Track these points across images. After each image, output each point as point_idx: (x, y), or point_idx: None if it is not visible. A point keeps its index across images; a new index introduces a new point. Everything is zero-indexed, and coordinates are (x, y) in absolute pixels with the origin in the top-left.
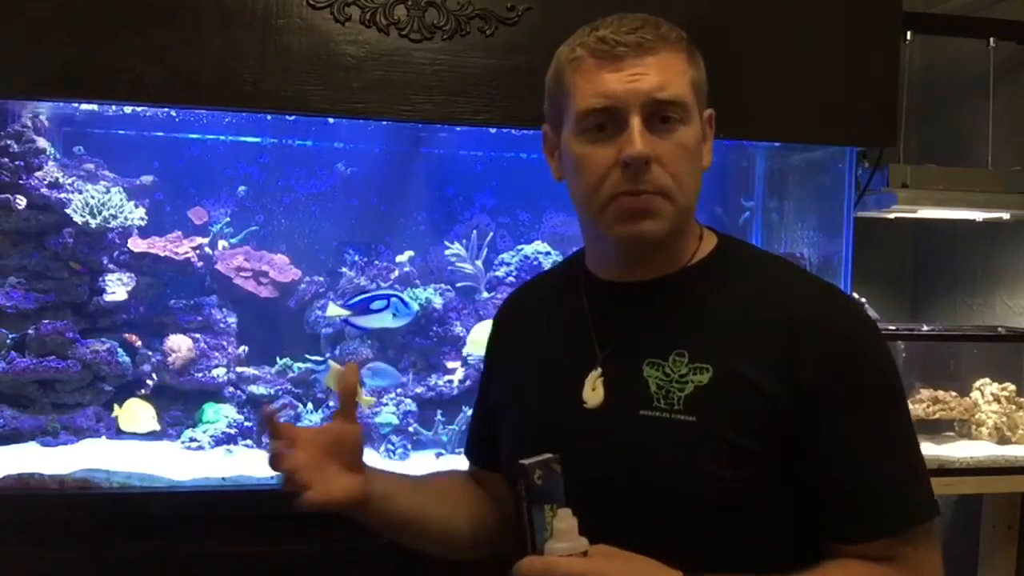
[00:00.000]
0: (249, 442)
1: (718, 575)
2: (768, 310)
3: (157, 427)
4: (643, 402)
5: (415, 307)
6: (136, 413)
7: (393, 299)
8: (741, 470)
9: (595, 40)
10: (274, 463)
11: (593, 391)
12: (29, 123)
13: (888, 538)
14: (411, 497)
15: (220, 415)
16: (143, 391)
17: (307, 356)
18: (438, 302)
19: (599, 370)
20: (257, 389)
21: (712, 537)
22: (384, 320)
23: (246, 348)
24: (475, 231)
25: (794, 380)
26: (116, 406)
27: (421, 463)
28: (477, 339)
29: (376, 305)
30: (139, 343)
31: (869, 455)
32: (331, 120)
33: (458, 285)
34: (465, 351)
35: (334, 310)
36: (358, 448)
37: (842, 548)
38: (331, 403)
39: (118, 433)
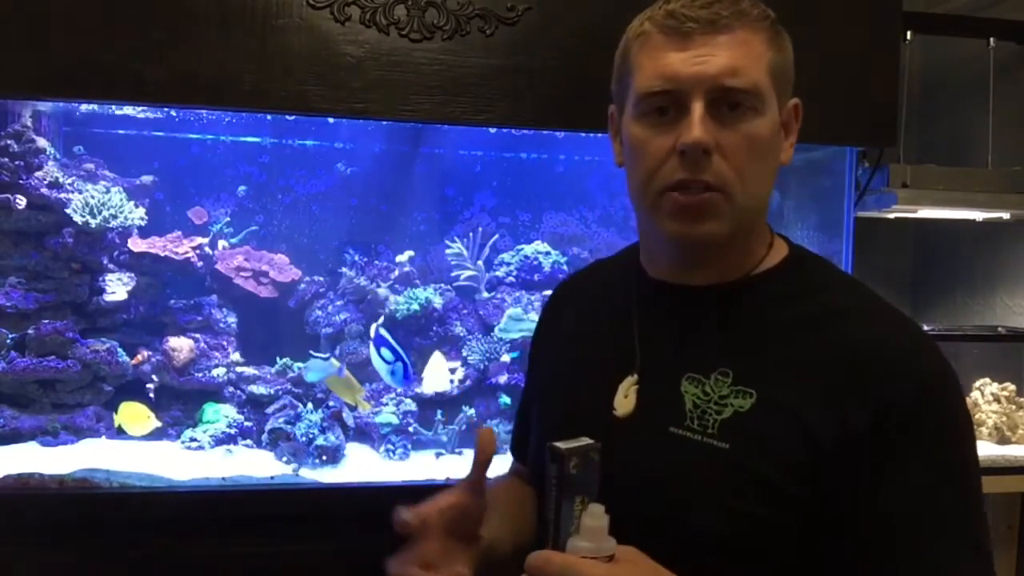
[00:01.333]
0: (249, 442)
1: None
2: (828, 338)
3: (157, 424)
4: (675, 419)
5: (404, 385)
6: (134, 416)
7: (399, 364)
8: (769, 510)
9: (664, 14)
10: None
11: (625, 398)
12: (29, 123)
13: None
14: (507, 526)
15: (220, 415)
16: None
17: (311, 353)
18: (438, 302)
19: (635, 377)
20: (257, 389)
21: (726, 571)
22: (381, 369)
23: (238, 355)
24: (473, 232)
25: (845, 423)
26: (115, 414)
27: (421, 463)
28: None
29: (385, 354)
30: (144, 355)
31: (922, 516)
32: (331, 120)
33: (459, 283)
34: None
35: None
36: (480, 518)
37: None
38: (331, 403)
39: (119, 433)
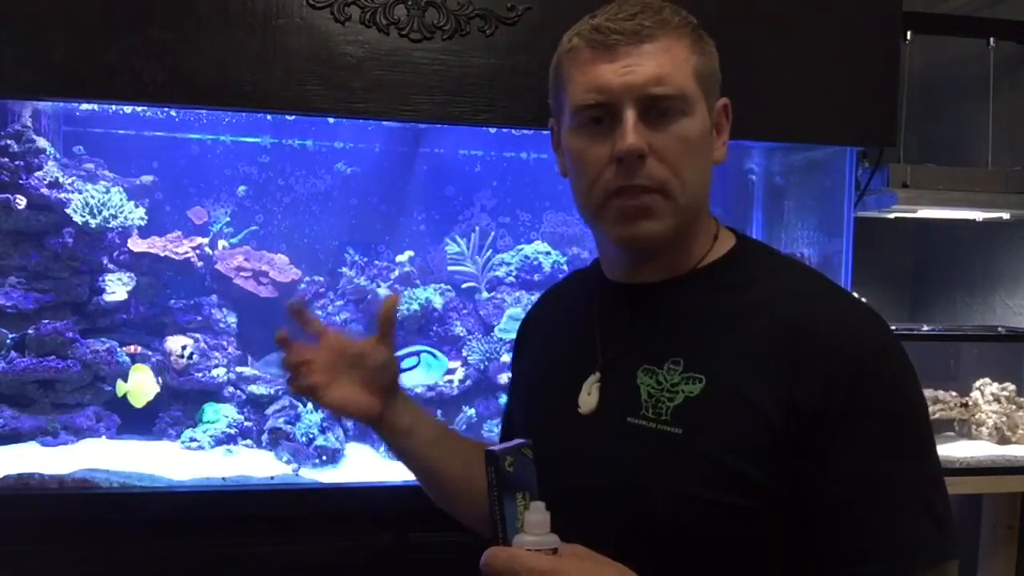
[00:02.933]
0: (249, 442)
1: None
2: (774, 319)
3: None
4: (632, 410)
5: (445, 361)
6: (141, 383)
7: (423, 354)
8: (724, 491)
9: (590, 29)
10: (288, 357)
11: (589, 396)
12: (29, 123)
13: (887, 573)
14: (434, 445)
15: (220, 415)
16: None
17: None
18: (438, 302)
19: (597, 375)
20: (257, 389)
21: (682, 558)
22: (417, 377)
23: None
24: (475, 231)
25: (793, 399)
26: (121, 382)
27: None
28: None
29: (407, 363)
30: (139, 350)
31: (874, 484)
32: (331, 120)
33: (458, 277)
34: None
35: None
36: (387, 372)
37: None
38: None
39: (118, 432)
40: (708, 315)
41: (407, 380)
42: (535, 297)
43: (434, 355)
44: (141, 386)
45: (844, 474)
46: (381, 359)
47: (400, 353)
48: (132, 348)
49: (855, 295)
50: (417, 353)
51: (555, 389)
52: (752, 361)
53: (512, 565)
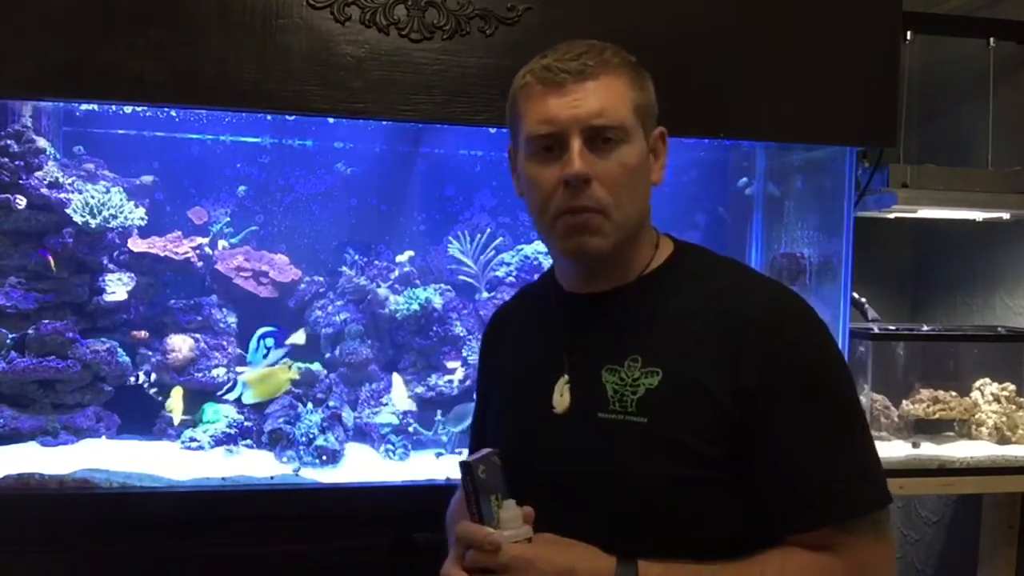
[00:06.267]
0: (249, 442)
1: (651, 561)
2: (716, 314)
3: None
4: (601, 405)
5: (260, 358)
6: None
7: (255, 335)
8: (689, 468)
9: (541, 68)
10: None
11: (561, 397)
12: (29, 123)
13: (829, 527)
14: None
15: (220, 415)
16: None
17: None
18: (438, 302)
19: (566, 377)
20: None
21: (661, 533)
22: (250, 352)
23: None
24: (478, 233)
25: (738, 382)
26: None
27: (421, 463)
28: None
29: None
30: (144, 335)
31: (810, 448)
32: (331, 120)
33: (458, 277)
34: None
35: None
36: None
37: (786, 539)
38: (331, 403)
39: (118, 432)
40: (658, 315)
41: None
42: None
43: (256, 347)
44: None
45: (783, 444)
46: None
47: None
48: (141, 334)
49: (785, 285)
50: (263, 336)
51: (528, 394)
52: (701, 352)
53: (492, 557)
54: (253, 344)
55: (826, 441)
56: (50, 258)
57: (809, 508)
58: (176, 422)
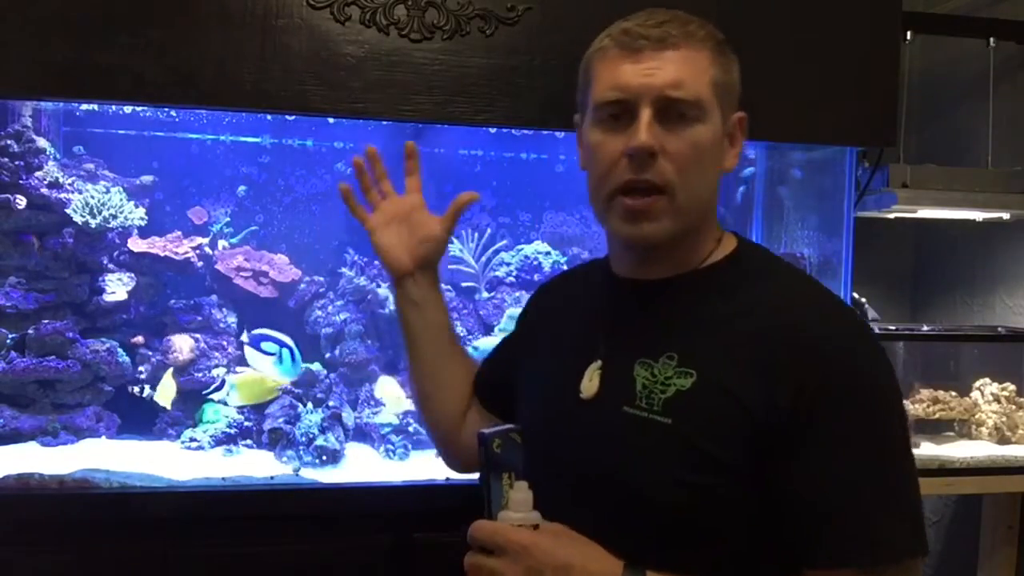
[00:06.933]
0: (249, 442)
1: (663, 574)
2: (761, 321)
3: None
4: (627, 399)
5: (302, 369)
6: (169, 387)
7: (284, 350)
8: (706, 477)
9: (620, 31)
10: (362, 178)
11: (590, 382)
12: (29, 123)
13: (855, 568)
14: (430, 330)
15: (220, 415)
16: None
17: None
18: None
19: (599, 363)
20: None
21: (667, 540)
22: (263, 365)
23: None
24: (478, 233)
25: (773, 395)
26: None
27: (421, 463)
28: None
29: (266, 346)
30: (141, 340)
31: (845, 479)
32: (331, 120)
33: (458, 279)
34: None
35: (244, 336)
36: (432, 248)
37: (804, 572)
38: (331, 403)
39: (118, 432)
40: (703, 314)
41: (256, 361)
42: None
43: (293, 358)
44: (167, 387)
45: (815, 470)
46: (433, 233)
47: (269, 335)
48: (138, 339)
49: (839, 299)
50: (283, 344)
51: (559, 374)
52: (740, 360)
53: (495, 538)
54: (287, 357)
55: (865, 473)
56: (34, 240)
57: (836, 544)
58: (167, 406)
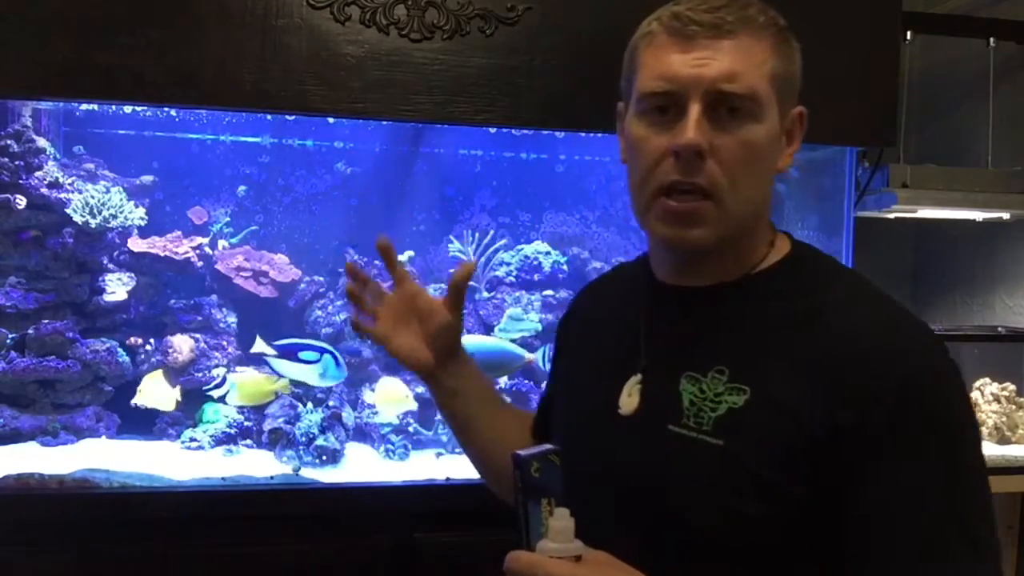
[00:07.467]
0: (249, 442)
1: None
2: (822, 332)
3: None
4: (673, 417)
5: (344, 373)
6: (152, 391)
7: (326, 356)
8: (762, 505)
9: (670, 16)
10: (355, 288)
11: (629, 397)
12: (29, 123)
13: None
14: (475, 413)
15: (220, 415)
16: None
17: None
18: None
19: (639, 376)
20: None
21: (720, 570)
22: (306, 375)
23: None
24: (478, 233)
25: (833, 414)
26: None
27: (421, 463)
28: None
29: (307, 356)
30: (139, 341)
31: (912, 507)
32: (331, 120)
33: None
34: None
35: (261, 346)
36: (449, 333)
37: None
38: (331, 403)
39: (118, 432)
40: (757, 324)
41: (293, 373)
42: (535, 297)
43: (337, 362)
44: (154, 395)
45: (880, 497)
46: (445, 321)
47: (304, 343)
48: (132, 340)
49: (908, 310)
50: (321, 351)
51: (595, 387)
52: (798, 375)
53: (533, 570)
54: (329, 363)
55: (934, 502)
56: (32, 233)
57: None
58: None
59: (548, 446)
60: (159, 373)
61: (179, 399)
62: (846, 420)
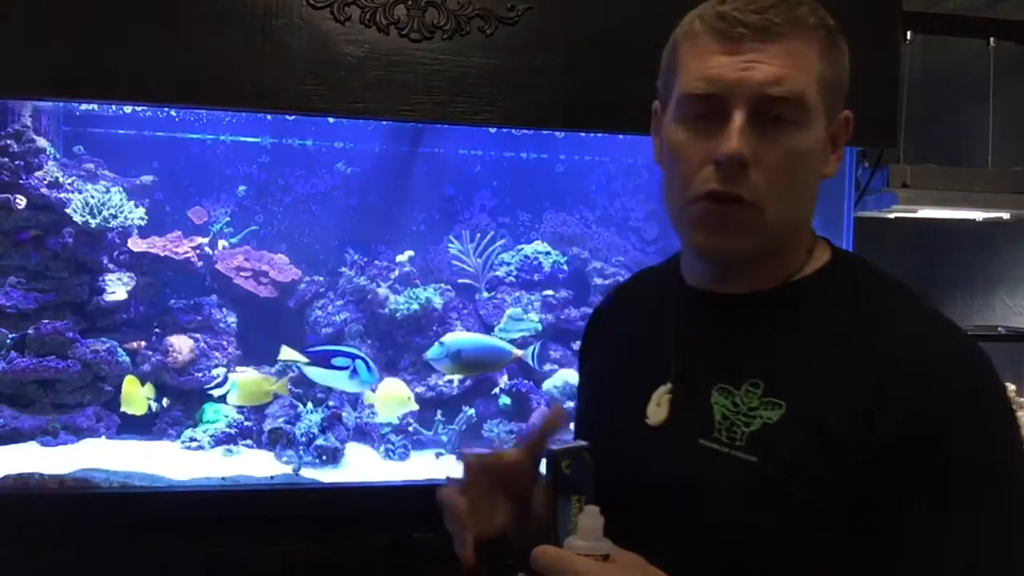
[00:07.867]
0: (249, 442)
1: None
2: (860, 346)
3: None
4: (704, 430)
5: (376, 378)
6: (130, 394)
7: (358, 361)
8: (796, 525)
9: (715, 15)
10: (444, 500)
11: (658, 407)
12: (29, 123)
13: None
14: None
15: (220, 415)
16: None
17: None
18: (438, 302)
19: (668, 386)
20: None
21: None
22: (339, 380)
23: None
24: (478, 233)
25: (875, 432)
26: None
27: (421, 463)
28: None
29: (338, 361)
30: (143, 344)
31: (954, 534)
32: (331, 120)
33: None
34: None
35: (288, 354)
36: (524, 482)
37: None
38: (331, 403)
39: (118, 432)
40: (794, 336)
41: (326, 380)
42: (534, 297)
43: (368, 367)
44: (131, 396)
45: (920, 520)
46: (526, 474)
47: (336, 348)
48: (135, 344)
49: (955, 324)
50: (353, 357)
51: (623, 395)
52: (836, 389)
53: (559, 565)
54: (362, 368)
55: (973, 527)
56: (32, 232)
57: None
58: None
59: (581, 442)
60: (132, 379)
61: (150, 397)
62: (886, 437)
